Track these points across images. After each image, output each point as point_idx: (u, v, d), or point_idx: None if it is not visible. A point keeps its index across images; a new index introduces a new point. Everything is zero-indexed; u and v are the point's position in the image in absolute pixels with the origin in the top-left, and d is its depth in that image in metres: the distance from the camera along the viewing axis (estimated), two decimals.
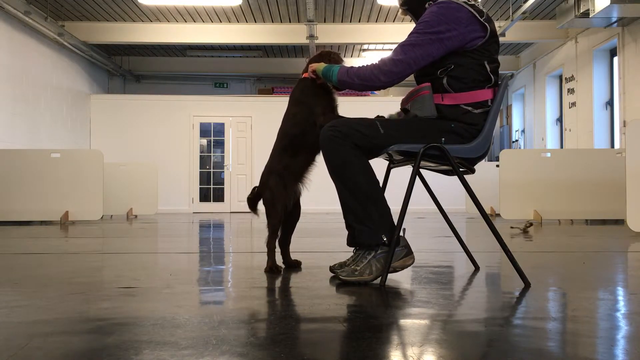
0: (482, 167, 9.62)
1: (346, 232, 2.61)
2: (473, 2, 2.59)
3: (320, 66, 2.75)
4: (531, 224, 6.34)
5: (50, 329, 1.71)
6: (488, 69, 2.57)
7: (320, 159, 2.85)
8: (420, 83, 2.65)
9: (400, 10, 2.86)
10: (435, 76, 2.57)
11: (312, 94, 2.82)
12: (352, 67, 2.63)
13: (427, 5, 2.63)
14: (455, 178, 2.69)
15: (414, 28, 2.56)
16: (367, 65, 2.60)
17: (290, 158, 2.85)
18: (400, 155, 2.64)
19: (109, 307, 2.02)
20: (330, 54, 2.95)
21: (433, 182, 3.22)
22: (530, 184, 7.99)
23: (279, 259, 2.95)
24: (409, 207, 2.55)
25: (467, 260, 3.12)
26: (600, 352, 1.46)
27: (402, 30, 11.84)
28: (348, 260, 2.68)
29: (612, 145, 10.70)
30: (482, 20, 2.53)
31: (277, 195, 2.83)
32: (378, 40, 12.09)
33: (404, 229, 2.62)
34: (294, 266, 3.04)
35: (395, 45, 2.72)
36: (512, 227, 6.72)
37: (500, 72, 2.66)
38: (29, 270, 3.08)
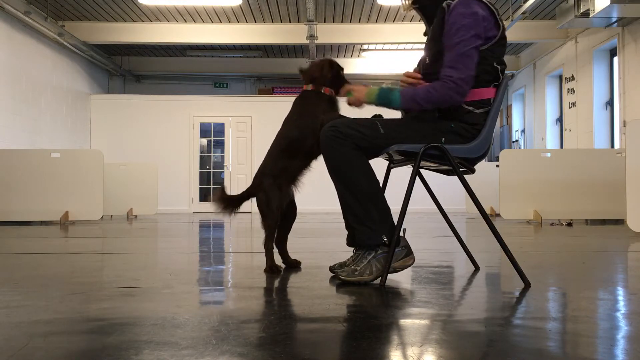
0: (482, 167, 9.58)
1: (346, 232, 2.61)
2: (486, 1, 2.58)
3: (370, 95, 2.62)
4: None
5: (50, 329, 1.71)
6: (498, 69, 2.57)
7: (316, 163, 2.86)
8: (427, 80, 2.65)
9: (404, 6, 2.78)
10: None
11: (316, 102, 2.83)
12: (415, 92, 2.54)
13: (444, 5, 2.57)
14: (455, 178, 2.69)
15: (458, 35, 2.48)
16: (433, 87, 2.51)
17: (287, 160, 2.86)
18: (400, 155, 2.64)
19: (109, 307, 2.02)
20: (332, 63, 2.93)
21: (433, 182, 3.22)
22: (530, 184, 7.99)
23: (278, 260, 2.95)
24: (409, 207, 2.55)
25: (467, 260, 3.12)
26: (600, 352, 1.46)
27: (402, 30, 11.84)
28: (348, 260, 2.68)
29: (612, 145, 10.70)
30: (497, 17, 2.54)
31: (272, 196, 2.83)
32: (378, 40, 12.09)
33: (404, 229, 2.62)
34: (293, 266, 3.04)
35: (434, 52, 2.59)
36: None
37: None
38: (29, 270, 3.08)
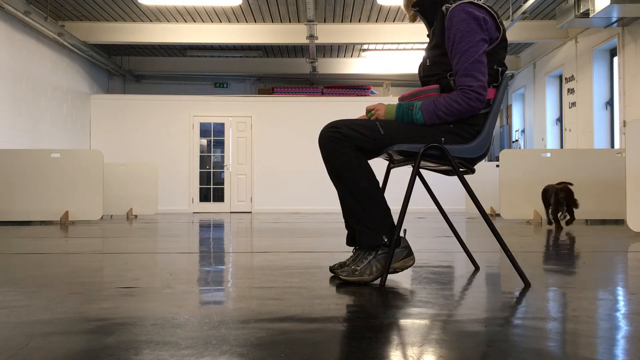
0: (482, 167, 9.62)
1: (346, 232, 2.61)
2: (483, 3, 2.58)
3: (389, 113, 2.61)
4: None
5: (50, 329, 1.71)
6: (499, 71, 2.57)
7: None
8: (427, 83, 2.65)
9: (407, 14, 2.80)
10: (443, 76, 2.57)
11: None
12: (435, 106, 2.51)
13: (443, 9, 2.58)
14: (455, 178, 2.69)
15: (466, 41, 2.48)
16: (454, 99, 2.49)
17: None
18: (400, 155, 2.64)
19: (109, 307, 2.02)
20: None
21: (433, 182, 3.22)
22: (530, 184, 7.99)
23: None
24: (409, 207, 2.55)
25: (467, 260, 3.12)
26: (600, 352, 1.46)
27: (402, 30, 11.84)
28: (348, 260, 2.68)
29: (612, 145, 10.70)
30: (498, 21, 2.54)
31: None
32: (378, 40, 12.09)
33: (405, 230, 2.62)
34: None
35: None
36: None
37: None
38: (29, 270, 3.08)
